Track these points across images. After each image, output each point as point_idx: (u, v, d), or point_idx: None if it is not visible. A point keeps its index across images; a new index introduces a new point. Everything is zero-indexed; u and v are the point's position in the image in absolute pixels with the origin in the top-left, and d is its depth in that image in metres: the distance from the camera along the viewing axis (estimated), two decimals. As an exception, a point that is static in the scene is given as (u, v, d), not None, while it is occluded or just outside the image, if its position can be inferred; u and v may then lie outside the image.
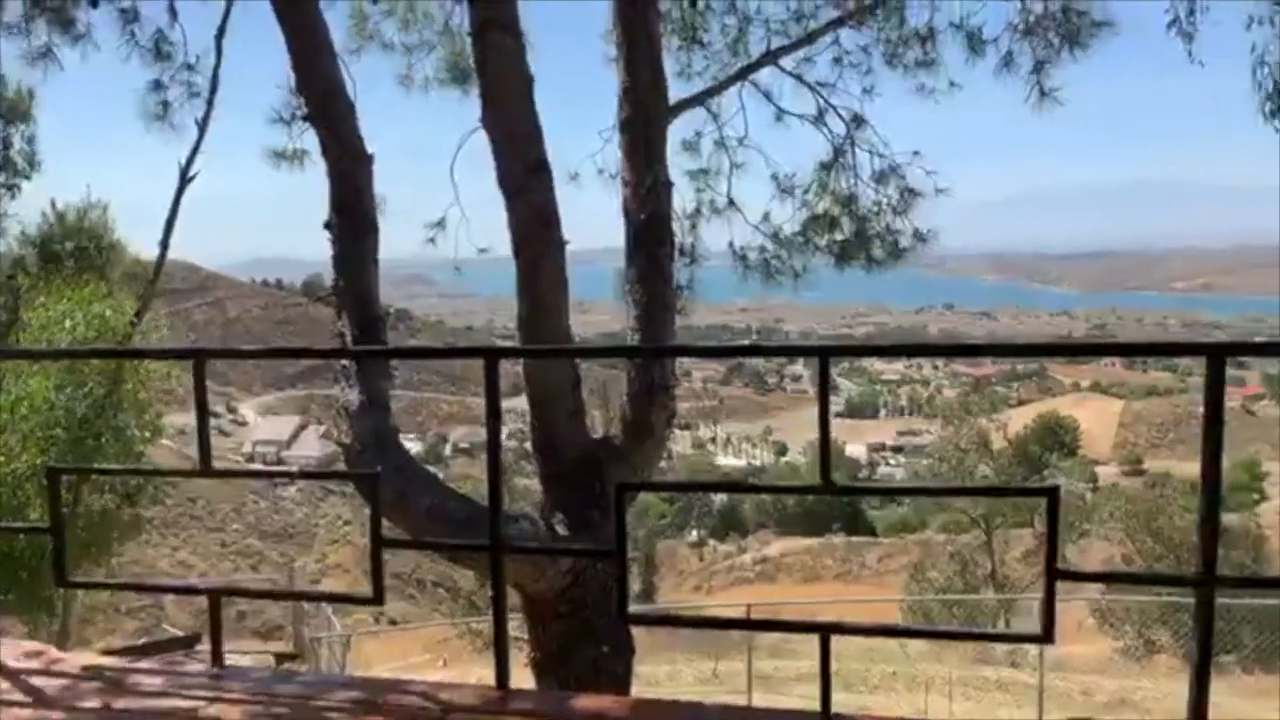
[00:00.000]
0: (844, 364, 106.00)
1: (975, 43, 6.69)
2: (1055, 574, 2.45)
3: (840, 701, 2.39)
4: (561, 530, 5.30)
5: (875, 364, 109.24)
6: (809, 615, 15.63)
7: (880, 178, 7.03)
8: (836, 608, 22.77)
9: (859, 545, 45.66)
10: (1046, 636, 2.48)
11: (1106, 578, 11.99)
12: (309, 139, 5.80)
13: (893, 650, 13.87)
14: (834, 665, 2.37)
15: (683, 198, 7.20)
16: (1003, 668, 13.92)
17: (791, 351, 12.83)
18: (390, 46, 7.13)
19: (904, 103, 7.27)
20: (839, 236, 7.14)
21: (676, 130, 6.62)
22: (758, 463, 78.63)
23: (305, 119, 5.54)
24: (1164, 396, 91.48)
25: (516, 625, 5.84)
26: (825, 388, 2.62)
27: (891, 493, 52.31)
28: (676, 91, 6.32)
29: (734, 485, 22.90)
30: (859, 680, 12.93)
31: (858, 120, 7.05)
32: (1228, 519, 27.40)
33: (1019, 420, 57.48)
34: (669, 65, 6.26)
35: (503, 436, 2.62)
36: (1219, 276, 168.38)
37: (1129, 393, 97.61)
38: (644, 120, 5.74)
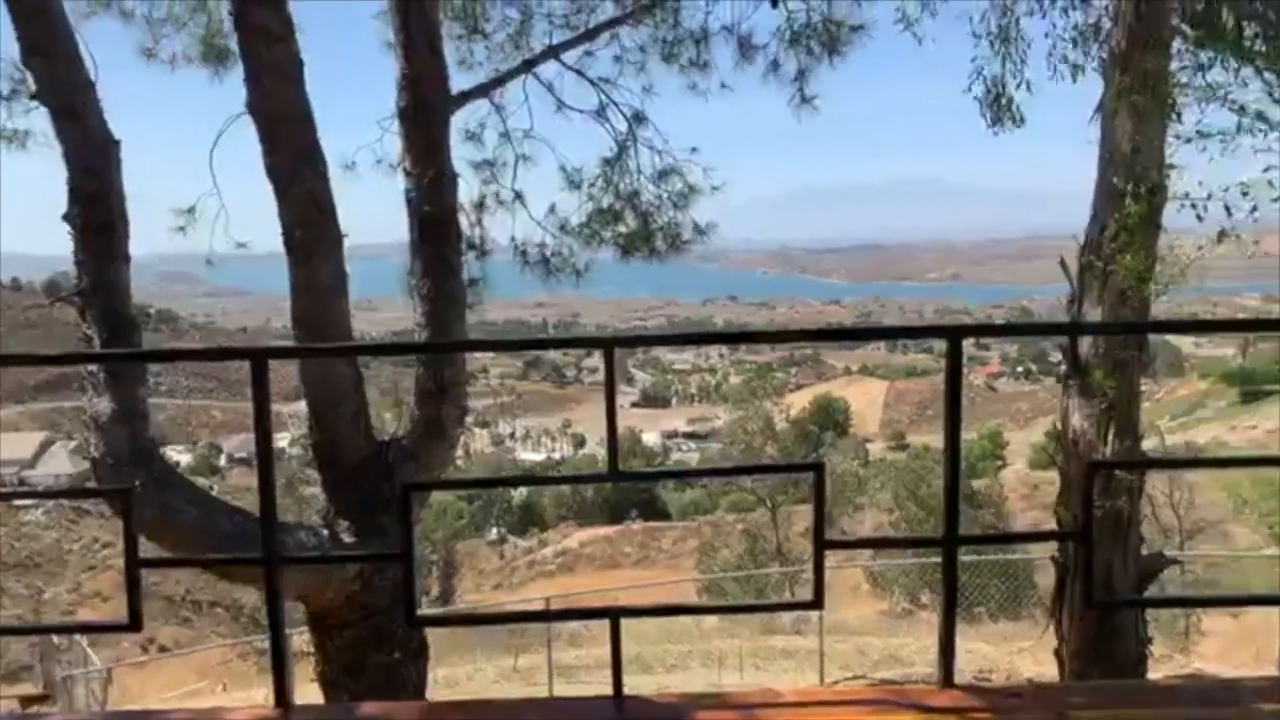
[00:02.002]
0: (638, 356, 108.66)
1: (745, 48, 7.03)
2: (823, 544, 2.63)
3: (638, 683, 2.45)
4: (347, 537, 5.07)
5: (667, 355, 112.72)
6: (606, 602, 15.92)
7: (661, 174, 7.25)
8: (633, 593, 23.29)
9: (655, 530, 46.92)
10: (817, 602, 2.66)
11: (866, 543, 13.07)
12: (40, 118, 5.17)
13: (688, 630, 14.37)
14: (633, 649, 2.44)
15: (470, 189, 7.08)
16: (789, 636, 14.79)
17: (577, 343, 13.12)
18: (129, 15, 6.46)
19: (683, 100, 7.54)
20: (623, 229, 7.29)
21: (459, 121, 6.50)
22: (558, 455, 78.94)
23: (33, 97, 4.93)
24: (922, 376, 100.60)
25: (307, 640, 5.53)
26: (611, 377, 2.68)
27: (671, 476, 54.17)
28: (459, 82, 6.20)
29: (523, 479, 22.66)
30: (657, 661, 13.30)
31: (638, 117, 7.23)
32: (975, 484, 30.61)
33: (798, 403, 61.28)
34: (450, 55, 6.12)
35: (286, 443, 2.48)
36: (967, 267, 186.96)
37: (893, 373, 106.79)
38: (426, 109, 5.58)
